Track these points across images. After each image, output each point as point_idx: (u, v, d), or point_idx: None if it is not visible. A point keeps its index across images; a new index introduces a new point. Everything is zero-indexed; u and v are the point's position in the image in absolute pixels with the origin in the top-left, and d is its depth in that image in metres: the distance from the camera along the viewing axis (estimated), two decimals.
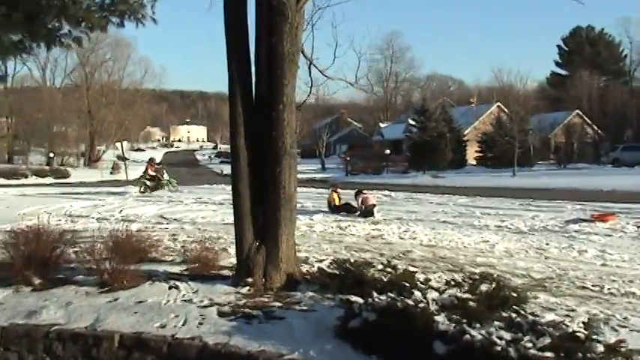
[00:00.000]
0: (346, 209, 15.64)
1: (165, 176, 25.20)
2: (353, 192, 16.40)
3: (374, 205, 15.05)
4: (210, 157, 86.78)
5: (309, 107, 60.75)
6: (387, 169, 46.39)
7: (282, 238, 6.70)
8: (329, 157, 63.35)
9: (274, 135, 6.64)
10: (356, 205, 15.41)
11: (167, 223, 13.60)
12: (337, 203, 16.10)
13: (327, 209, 16.09)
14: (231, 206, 6.96)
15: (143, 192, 23.98)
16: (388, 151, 48.57)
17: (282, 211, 6.67)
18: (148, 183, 24.78)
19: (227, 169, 24.16)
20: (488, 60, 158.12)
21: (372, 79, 75.83)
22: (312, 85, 8.45)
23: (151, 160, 27.15)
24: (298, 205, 17.53)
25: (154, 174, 25.13)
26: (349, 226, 12.98)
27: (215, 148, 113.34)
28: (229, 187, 8.08)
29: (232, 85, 6.77)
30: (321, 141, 55.92)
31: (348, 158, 48.70)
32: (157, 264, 7.91)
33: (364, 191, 16.06)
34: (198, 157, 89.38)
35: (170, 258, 8.49)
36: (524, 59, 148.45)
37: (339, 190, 16.89)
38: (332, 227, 12.79)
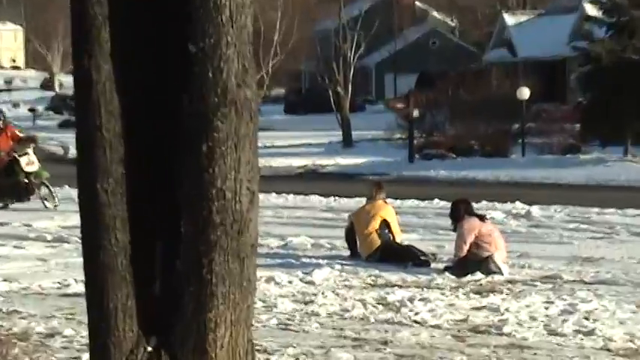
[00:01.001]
0: (401, 255, 16.07)
1: (26, 162, 26.21)
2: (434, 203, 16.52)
3: (498, 255, 15.24)
4: (34, 110, 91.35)
5: None
6: (525, 140, 46.83)
7: (215, 334, 6.71)
8: (363, 110, 64.04)
9: (197, 55, 6.65)
10: (460, 246, 15.46)
11: None
12: (392, 231, 16.54)
13: (347, 252, 16.77)
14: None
15: None
16: (527, 93, 48.56)
17: (217, 256, 6.65)
18: None
19: None
20: None
21: None
22: None
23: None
24: (277, 244, 18.12)
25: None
26: (413, 298, 13.17)
27: (47, 86, 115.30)
28: None
29: None
30: (340, 68, 56.34)
31: (416, 113, 48.91)
32: None
33: (476, 208, 16.25)
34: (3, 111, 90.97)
35: None
36: None
37: (387, 200, 17.40)
38: (363, 301, 13.02)
